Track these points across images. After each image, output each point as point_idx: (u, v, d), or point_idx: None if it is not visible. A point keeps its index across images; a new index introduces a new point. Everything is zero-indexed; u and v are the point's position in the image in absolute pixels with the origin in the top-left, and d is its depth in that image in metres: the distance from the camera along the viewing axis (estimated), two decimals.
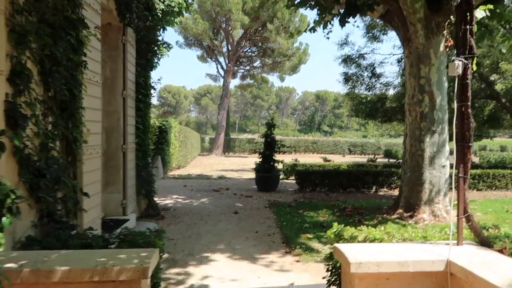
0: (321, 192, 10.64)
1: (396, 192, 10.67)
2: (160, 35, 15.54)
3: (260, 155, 11.11)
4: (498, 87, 15.40)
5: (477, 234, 2.45)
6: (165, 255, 4.66)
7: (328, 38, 8.95)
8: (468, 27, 2.31)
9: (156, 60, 16.03)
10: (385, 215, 7.18)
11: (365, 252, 2.25)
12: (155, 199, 9.14)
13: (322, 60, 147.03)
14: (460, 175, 2.36)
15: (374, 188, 10.88)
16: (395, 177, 10.91)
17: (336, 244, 2.46)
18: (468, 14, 2.33)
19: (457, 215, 2.40)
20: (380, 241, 2.65)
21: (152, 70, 7.94)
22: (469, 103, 2.36)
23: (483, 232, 2.55)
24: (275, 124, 11.29)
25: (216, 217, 7.30)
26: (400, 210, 7.06)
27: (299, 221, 6.84)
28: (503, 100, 14.69)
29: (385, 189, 11.01)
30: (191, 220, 7.01)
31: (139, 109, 6.83)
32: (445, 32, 7.03)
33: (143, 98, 7.03)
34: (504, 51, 7.85)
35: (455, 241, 2.40)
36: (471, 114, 2.37)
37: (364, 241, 2.69)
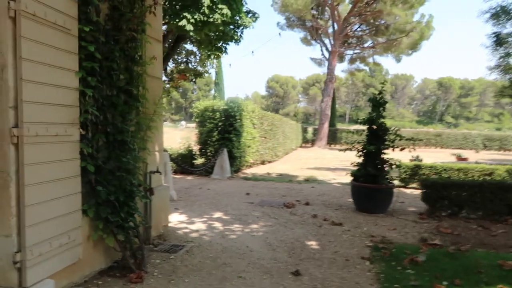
0: (469, 220, 5.98)
1: None
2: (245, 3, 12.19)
3: (360, 152, 6.85)
4: None
5: None
6: None
7: None
8: None
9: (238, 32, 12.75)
10: None
11: None
12: (182, 218, 5.68)
13: (446, 41, 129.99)
14: None
15: None
16: None
17: None
18: None
19: None
20: None
21: None
22: None
23: None
24: (386, 101, 6.88)
25: (251, 286, 3.47)
26: None
27: None
28: None
29: None
30: None
31: (90, 57, 3.31)
32: None
33: (103, 35, 3.50)
34: None
35: None
36: None
37: None
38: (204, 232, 5.14)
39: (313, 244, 4.71)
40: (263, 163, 15.30)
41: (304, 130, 35.45)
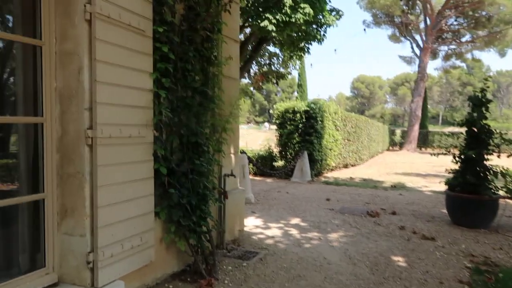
0: None
1: None
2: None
3: (457, 158, 6.06)
4: None
5: None
6: None
7: None
8: None
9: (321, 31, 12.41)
10: None
11: None
12: (258, 222, 5.54)
13: None
14: None
15: None
16: None
17: None
18: None
19: None
20: None
21: None
22: None
23: None
24: (489, 99, 6.00)
25: None
26: None
27: None
28: None
29: None
30: None
31: (164, 58, 3.28)
32: None
33: (178, 35, 3.45)
34: None
35: None
36: None
37: None
38: (280, 239, 4.91)
39: (399, 260, 4.21)
40: (346, 166, 14.66)
41: (392, 133, 33.56)
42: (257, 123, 69.40)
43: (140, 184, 3.10)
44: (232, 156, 4.78)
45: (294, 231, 5.29)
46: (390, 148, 31.64)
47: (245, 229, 5.22)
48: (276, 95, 76.93)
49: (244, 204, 5.17)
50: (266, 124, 58.42)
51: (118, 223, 2.90)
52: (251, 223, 5.63)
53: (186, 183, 3.53)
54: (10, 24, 2.83)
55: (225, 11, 4.08)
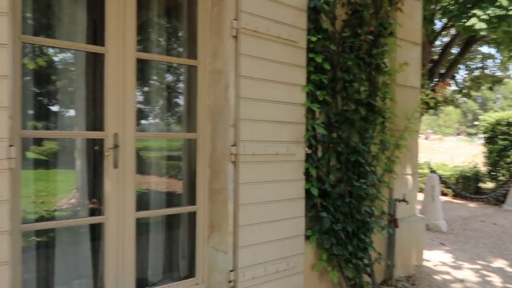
0: None
1: None
2: None
3: None
4: None
5: None
6: None
7: None
8: None
9: None
10: None
11: None
12: (446, 258, 4.61)
13: None
14: None
15: None
16: None
17: None
18: None
19: None
20: None
21: None
22: None
23: None
24: None
25: None
26: None
27: None
28: None
29: None
30: None
31: (319, 68, 3.00)
32: None
33: (337, 43, 3.10)
34: None
35: None
36: None
37: None
38: (472, 286, 3.89)
39: None
40: None
41: None
42: (469, 134, 60.62)
43: (287, 205, 2.91)
44: (408, 177, 4.08)
45: (495, 278, 4.12)
46: None
47: (426, 264, 4.38)
48: (494, 103, 65.49)
49: (423, 234, 4.34)
50: (481, 135, 50.33)
51: (261, 244, 2.77)
52: (437, 258, 4.70)
53: (343, 207, 3.14)
54: (175, 48, 3.10)
55: (396, 10, 3.51)
